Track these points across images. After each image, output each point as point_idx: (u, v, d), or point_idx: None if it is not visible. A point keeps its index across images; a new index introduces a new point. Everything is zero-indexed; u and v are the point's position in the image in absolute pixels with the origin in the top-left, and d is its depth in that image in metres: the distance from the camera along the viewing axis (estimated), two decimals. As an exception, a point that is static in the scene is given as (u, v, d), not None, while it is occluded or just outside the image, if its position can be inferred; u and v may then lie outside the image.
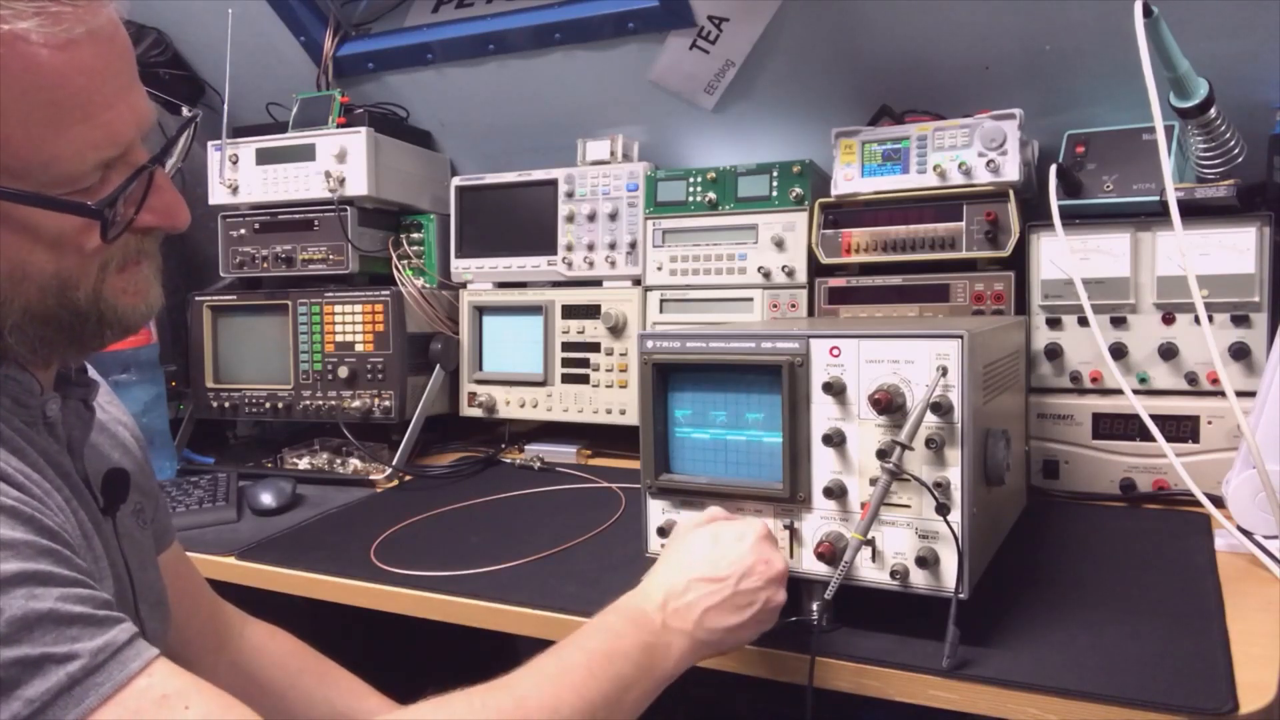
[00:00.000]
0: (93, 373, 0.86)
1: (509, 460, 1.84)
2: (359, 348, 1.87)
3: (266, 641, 1.07)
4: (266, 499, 1.55)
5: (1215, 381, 1.35)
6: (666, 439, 1.06)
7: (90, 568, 0.67)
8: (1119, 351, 1.40)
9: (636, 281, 1.82)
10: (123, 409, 0.97)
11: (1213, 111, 1.27)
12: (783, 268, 1.68)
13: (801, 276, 1.67)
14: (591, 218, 1.85)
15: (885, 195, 1.56)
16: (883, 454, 0.92)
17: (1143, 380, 1.41)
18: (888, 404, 0.92)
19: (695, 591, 0.87)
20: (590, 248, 1.85)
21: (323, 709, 1.03)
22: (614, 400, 1.81)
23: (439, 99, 2.09)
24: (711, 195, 1.74)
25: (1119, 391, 1.32)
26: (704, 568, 0.88)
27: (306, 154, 1.90)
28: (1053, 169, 1.41)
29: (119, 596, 0.77)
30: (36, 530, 0.61)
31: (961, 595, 0.91)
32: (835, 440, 0.96)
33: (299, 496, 1.61)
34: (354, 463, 1.83)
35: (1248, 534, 1.14)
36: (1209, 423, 1.36)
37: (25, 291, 0.67)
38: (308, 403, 1.89)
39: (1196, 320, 1.24)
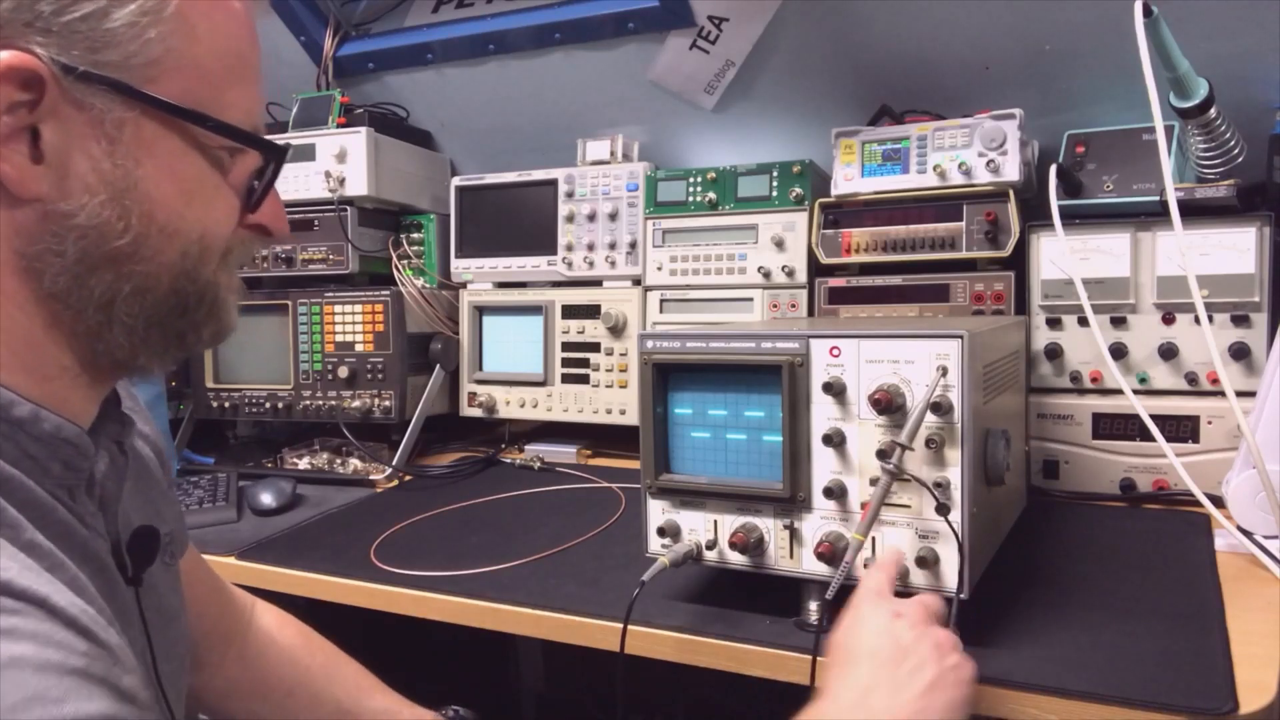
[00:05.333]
0: (127, 403, 0.77)
1: (509, 460, 1.84)
2: (359, 348, 1.87)
3: (275, 634, 1.04)
4: (266, 499, 1.55)
5: (1215, 381, 1.35)
6: (666, 439, 1.06)
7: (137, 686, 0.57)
8: (1119, 351, 1.40)
9: (636, 281, 1.82)
10: (145, 417, 0.88)
11: (1213, 111, 1.27)
12: (783, 268, 1.68)
13: (801, 276, 1.67)
14: (591, 218, 1.85)
15: (885, 195, 1.56)
16: (883, 454, 0.92)
17: (1143, 380, 1.41)
18: (888, 404, 0.92)
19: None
20: (590, 248, 1.85)
21: (329, 708, 1.02)
22: (614, 400, 1.81)
23: (439, 99, 2.09)
24: (711, 195, 1.74)
25: (1119, 391, 1.32)
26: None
27: (306, 154, 1.90)
28: (1053, 169, 1.41)
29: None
30: (112, 694, 0.51)
31: (962, 595, 0.91)
32: (835, 440, 0.96)
33: (299, 496, 1.61)
34: (354, 463, 1.83)
35: (1248, 534, 1.14)
36: (1209, 423, 1.36)
37: (168, 250, 0.63)
38: (308, 403, 1.89)
39: (1196, 320, 1.24)
